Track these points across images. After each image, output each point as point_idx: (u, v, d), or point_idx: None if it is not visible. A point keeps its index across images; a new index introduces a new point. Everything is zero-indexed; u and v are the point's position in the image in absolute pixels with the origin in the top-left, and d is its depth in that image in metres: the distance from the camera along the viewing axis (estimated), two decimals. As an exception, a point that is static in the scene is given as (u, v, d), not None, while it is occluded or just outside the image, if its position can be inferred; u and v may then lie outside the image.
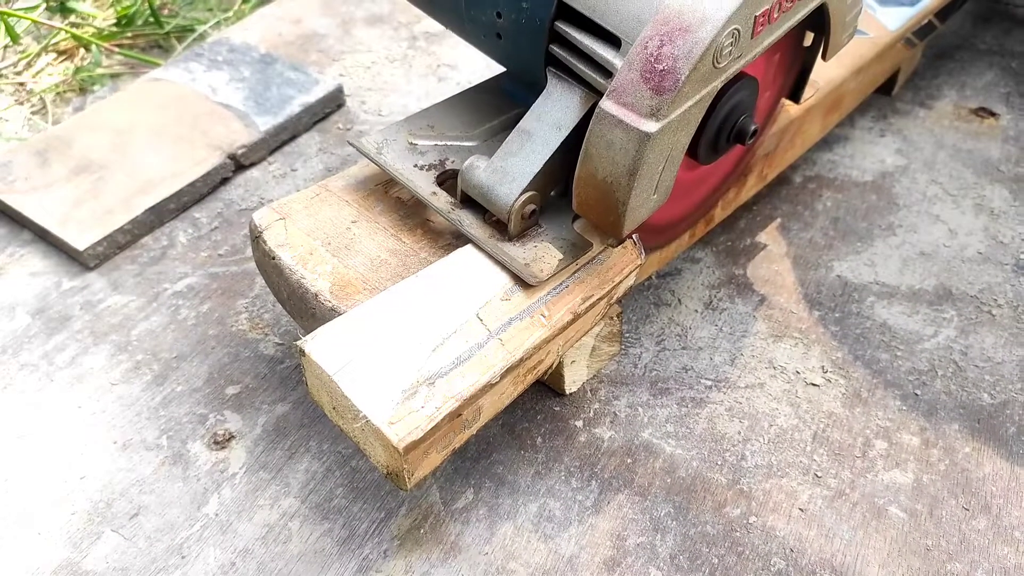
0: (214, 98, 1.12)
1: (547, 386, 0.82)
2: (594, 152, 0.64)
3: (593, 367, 0.83)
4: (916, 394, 0.81)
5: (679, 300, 0.91)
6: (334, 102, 1.15)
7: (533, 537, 0.72)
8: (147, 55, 1.33)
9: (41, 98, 1.26)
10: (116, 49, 1.34)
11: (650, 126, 0.60)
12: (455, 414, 0.64)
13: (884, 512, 0.73)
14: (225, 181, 1.05)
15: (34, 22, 1.37)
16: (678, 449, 0.78)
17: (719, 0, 0.60)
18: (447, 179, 0.77)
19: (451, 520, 0.73)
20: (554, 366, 0.76)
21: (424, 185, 0.76)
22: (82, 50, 1.36)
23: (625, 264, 0.75)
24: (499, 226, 0.73)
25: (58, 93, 1.27)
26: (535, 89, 0.73)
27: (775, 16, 0.64)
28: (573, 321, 0.72)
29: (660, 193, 0.67)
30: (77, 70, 1.30)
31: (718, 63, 0.61)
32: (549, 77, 0.72)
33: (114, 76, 1.30)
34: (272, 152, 1.09)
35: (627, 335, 0.87)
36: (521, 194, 0.70)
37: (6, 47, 1.36)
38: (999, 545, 0.70)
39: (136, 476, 0.76)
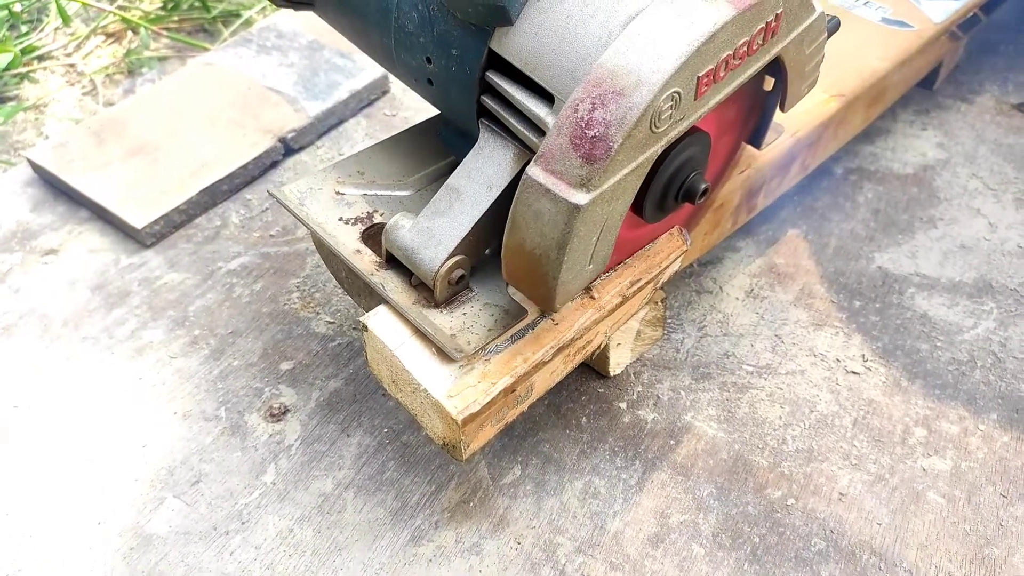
0: (264, 83, 1.14)
1: (592, 368, 0.84)
2: (521, 222, 0.58)
3: (637, 351, 0.84)
4: (955, 384, 0.83)
5: (720, 288, 0.92)
6: (379, 88, 1.18)
7: (579, 512, 0.74)
8: (193, 39, 1.36)
9: (91, 80, 1.30)
10: (164, 32, 1.37)
11: (580, 197, 0.55)
12: (509, 389, 0.66)
13: (923, 497, 0.74)
14: (275, 164, 1.08)
15: (84, 4, 1.40)
16: (720, 432, 0.79)
17: (656, 61, 0.54)
18: (375, 234, 0.72)
19: (499, 494, 0.75)
20: (601, 347, 0.78)
21: (348, 241, 0.71)
22: (130, 33, 1.39)
23: (671, 250, 0.77)
24: (427, 289, 0.68)
25: (108, 75, 1.30)
26: (470, 138, 0.68)
27: (722, 75, 0.59)
28: (621, 304, 0.73)
29: (596, 263, 0.63)
30: (128, 52, 1.33)
31: (656, 127, 0.56)
32: (481, 130, 0.66)
33: (161, 59, 1.33)
34: (320, 136, 1.12)
35: (669, 321, 0.89)
36: (447, 259, 0.65)
37: (57, 29, 1.39)
38: (1037, 532, 0.72)
39: (196, 445, 0.79)
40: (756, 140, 0.78)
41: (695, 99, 0.58)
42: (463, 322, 0.67)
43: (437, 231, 0.65)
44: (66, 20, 1.37)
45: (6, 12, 1.38)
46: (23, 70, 1.31)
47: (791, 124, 0.90)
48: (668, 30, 0.55)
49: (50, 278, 0.94)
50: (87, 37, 1.38)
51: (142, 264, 0.95)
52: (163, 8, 1.42)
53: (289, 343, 0.87)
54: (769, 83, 0.72)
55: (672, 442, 0.79)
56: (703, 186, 0.67)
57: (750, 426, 0.80)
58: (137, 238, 0.97)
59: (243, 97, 1.12)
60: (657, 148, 0.58)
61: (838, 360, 0.85)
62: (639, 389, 0.83)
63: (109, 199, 0.99)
